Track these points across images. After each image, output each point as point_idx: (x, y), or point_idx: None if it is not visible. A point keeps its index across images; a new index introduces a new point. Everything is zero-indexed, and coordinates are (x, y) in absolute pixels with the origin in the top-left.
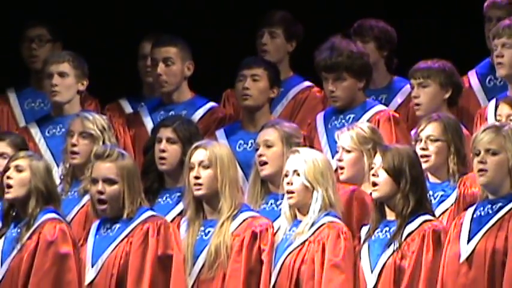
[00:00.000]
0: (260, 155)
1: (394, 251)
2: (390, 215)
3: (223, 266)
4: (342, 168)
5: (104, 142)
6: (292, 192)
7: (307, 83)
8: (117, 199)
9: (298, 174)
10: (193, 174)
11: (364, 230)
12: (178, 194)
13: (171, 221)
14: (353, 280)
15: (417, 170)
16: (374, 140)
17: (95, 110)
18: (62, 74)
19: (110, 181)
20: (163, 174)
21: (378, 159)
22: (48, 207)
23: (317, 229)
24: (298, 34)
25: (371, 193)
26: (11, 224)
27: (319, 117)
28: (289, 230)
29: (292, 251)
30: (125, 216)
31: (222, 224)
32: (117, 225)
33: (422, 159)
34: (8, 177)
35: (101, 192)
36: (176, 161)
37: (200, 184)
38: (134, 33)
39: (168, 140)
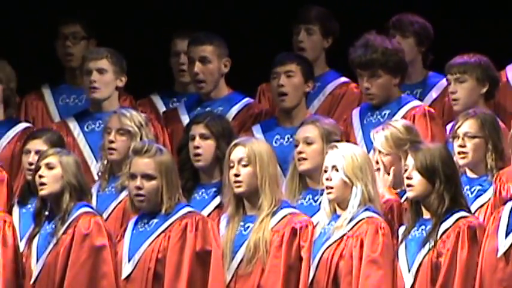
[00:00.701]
0: (300, 152)
1: (429, 249)
2: (426, 214)
3: (262, 262)
4: (378, 169)
5: (141, 138)
6: (331, 188)
7: (343, 79)
8: (155, 194)
9: (337, 170)
10: (233, 172)
11: (402, 229)
12: (213, 189)
13: (207, 216)
14: (391, 276)
15: (450, 167)
16: (410, 139)
17: (131, 106)
18: (100, 71)
19: (148, 177)
20: (198, 171)
21: (410, 161)
22: (82, 201)
23: (355, 224)
24: (335, 30)
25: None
26: (44, 223)
27: (355, 113)
28: (328, 224)
29: (330, 245)
30: (162, 211)
31: (262, 220)
32: (155, 220)
33: (459, 156)
34: (41, 176)
35: (139, 188)
36: (211, 156)
37: (240, 182)
38: (166, 30)
39: (202, 136)
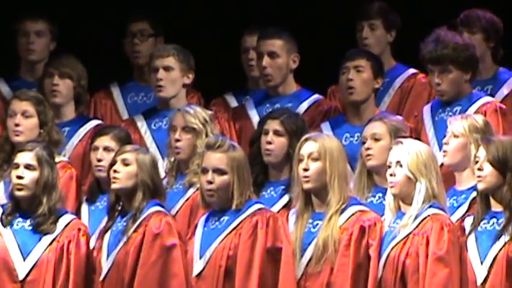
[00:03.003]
0: (367, 148)
1: (505, 242)
2: (496, 206)
3: (331, 260)
4: (445, 151)
5: (206, 135)
6: (394, 183)
7: (412, 70)
8: (226, 190)
9: (401, 166)
10: (302, 166)
11: (468, 221)
12: (282, 186)
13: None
14: (458, 273)
15: None
16: (485, 132)
17: (198, 103)
18: (167, 68)
19: (219, 171)
20: (268, 167)
21: (481, 152)
22: (154, 201)
23: (421, 222)
24: (397, 23)
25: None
26: (117, 217)
27: (426, 110)
28: (393, 222)
29: (397, 244)
30: (233, 207)
31: (331, 217)
32: (226, 217)
33: None
34: (115, 171)
35: (210, 182)
36: (282, 153)
37: (309, 177)
38: (237, 26)
39: (275, 132)
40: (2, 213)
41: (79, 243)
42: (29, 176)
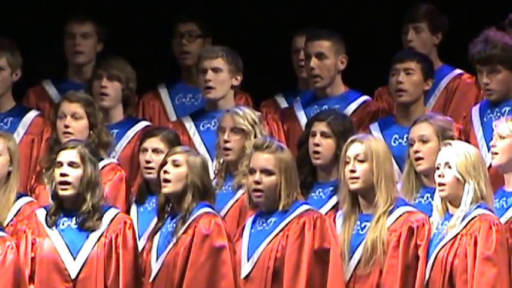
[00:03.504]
0: (416, 151)
1: None
2: None
3: (380, 262)
4: (495, 153)
5: (255, 136)
6: (443, 185)
7: (457, 71)
8: (273, 190)
9: (450, 167)
10: (348, 167)
11: None
12: (331, 188)
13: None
14: (506, 273)
15: None
16: None
17: (246, 104)
18: (215, 70)
19: (267, 172)
20: (316, 168)
21: None
22: (204, 202)
23: (469, 222)
24: (443, 25)
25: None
26: (167, 218)
27: (475, 111)
28: (441, 224)
29: (445, 245)
30: (280, 208)
31: (378, 218)
32: (273, 219)
33: None
34: (166, 172)
35: (257, 182)
36: (330, 155)
37: (356, 178)
38: (288, 27)
39: (323, 134)
40: (46, 214)
41: (126, 237)
42: (73, 174)
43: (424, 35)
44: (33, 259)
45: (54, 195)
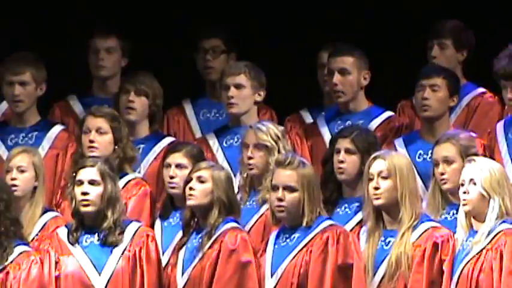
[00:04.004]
0: (442, 173)
1: None
2: None
3: (404, 277)
4: None
5: (279, 151)
6: (468, 201)
7: (480, 90)
8: (296, 207)
9: (475, 183)
10: (372, 184)
11: None
12: (356, 204)
13: (350, 231)
14: None
15: None
16: None
17: (270, 119)
18: (238, 86)
19: (290, 188)
20: (342, 184)
21: None
22: (229, 217)
23: (494, 237)
24: (469, 42)
25: None
26: (192, 233)
27: (499, 127)
28: (466, 240)
29: (470, 260)
30: (303, 224)
31: (403, 234)
32: (296, 235)
33: None
34: (191, 188)
35: (280, 199)
36: (355, 171)
37: (380, 194)
38: (312, 43)
39: (347, 151)
40: (68, 232)
41: (149, 250)
42: (94, 192)
43: (449, 52)
44: (57, 278)
45: (76, 213)
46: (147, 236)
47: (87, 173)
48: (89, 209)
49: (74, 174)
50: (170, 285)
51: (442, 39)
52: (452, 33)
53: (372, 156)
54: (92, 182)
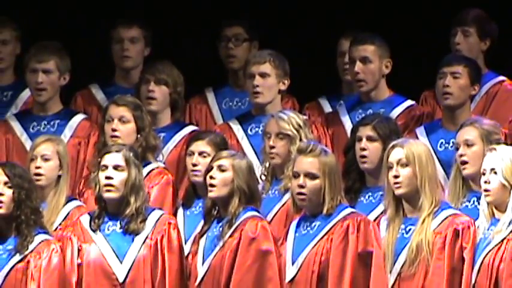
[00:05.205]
0: (461, 155)
1: None
2: None
3: (425, 263)
4: None
5: (300, 139)
6: (489, 191)
7: (500, 78)
8: (317, 194)
9: (496, 173)
10: (392, 173)
11: None
12: (380, 192)
13: (374, 220)
14: None
15: None
16: None
17: (292, 108)
18: (263, 75)
19: (311, 175)
20: (364, 173)
21: None
22: (250, 206)
23: None
24: (492, 32)
25: None
26: (213, 222)
27: None
28: (488, 229)
29: (491, 249)
30: (324, 212)
31: (423, 221)
32: (317, 223)
33: None
34: (211, 177)
35: (301, 186)
36: (377, 158)
37: (400, 183)
38: (332, 31)
39: (369, 139)
40: (90, 219)
41: (171, 238)
42: (118, 177)
43: (472, 40)
44: (79, 265)
45: (99, 198)
46: (169, 224)
47: (112, 158)
48: (112, 194)
49: (99, 160)
50: (191, 273)
51: (466, 26)
52: (476, 21)
53: (390, 145)
54: (116, 167)
